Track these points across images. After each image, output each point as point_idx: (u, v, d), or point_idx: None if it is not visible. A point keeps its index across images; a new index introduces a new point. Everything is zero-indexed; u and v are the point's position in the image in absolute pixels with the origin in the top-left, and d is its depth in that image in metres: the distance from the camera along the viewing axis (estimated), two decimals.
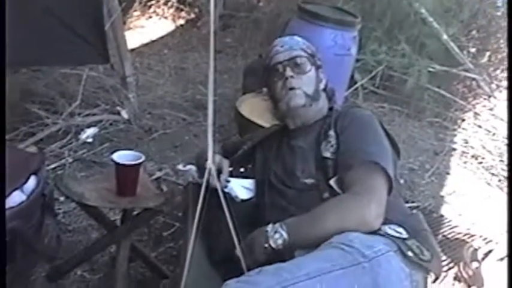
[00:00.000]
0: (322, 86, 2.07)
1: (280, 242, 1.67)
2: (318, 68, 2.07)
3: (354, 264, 1.51)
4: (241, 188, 2.07)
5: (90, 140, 3.82)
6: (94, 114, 4.04)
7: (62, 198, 2.98)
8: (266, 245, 1.68)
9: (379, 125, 1.95)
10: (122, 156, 2.23)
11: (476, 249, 2.91)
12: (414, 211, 2.10)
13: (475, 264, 2.82)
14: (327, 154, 1.87)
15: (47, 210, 2.53)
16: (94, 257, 2.62)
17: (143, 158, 2.26)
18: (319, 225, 1.67)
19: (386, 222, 1.69)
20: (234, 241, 1.65)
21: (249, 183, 2.09)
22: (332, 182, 1.81)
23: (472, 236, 3.17)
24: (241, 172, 2.15)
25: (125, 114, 4.08)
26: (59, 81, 4.23)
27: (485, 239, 3.12)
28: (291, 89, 1.98)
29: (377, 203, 1.69)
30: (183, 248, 1.95)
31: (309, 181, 1.87)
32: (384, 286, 1.51)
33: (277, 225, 1.70)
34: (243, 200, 2.02)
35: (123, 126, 4.04)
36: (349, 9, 4.21)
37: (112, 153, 2.32)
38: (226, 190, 1.97)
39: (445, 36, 4.87)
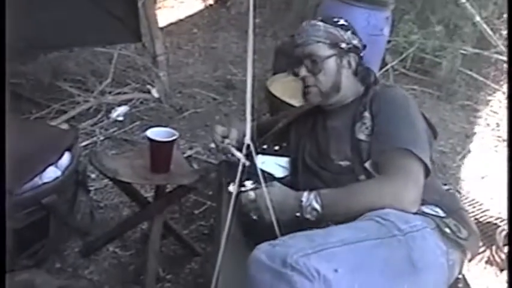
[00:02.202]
0: (347, 72, 1.97)
1: (314, 214, 1.66)
2: (341, 55, 1.96)
3: (389, 236, 1.50)
4: (276, 166, 2.07)
5: (121, 118, 3.84)
6: (125, 93, 4.07)
7: (93, 176, 3.01)
8: (298, 214, 1.67)
9: (413, 106, 1.91)
10: (156, 133, 2.23)
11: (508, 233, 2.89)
12: (450, 191, 2.08)
13: (507, 248, 2.80)
14: (362, 136, 1.84)
15: (80, 186, 2.56)
16: (126, 234, 2.64)
17: (177, 135, 2.26)
18: (355, 202, 1.65)
19: (423, 202, 1.68)
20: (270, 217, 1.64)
21: (283, 161, 2.09)
22: (367, 164, 1.80)
23: (504, 219, 3.13)
24: (276, 150, 2.15)
25: (155, 93, 4.09)
26: (90, 60, 4.26)
27: None
28: (307, 86, 1.95)
29: (414, 186, 1.67)
30: (217, 226, 1.95)
31: (344, 163, 1.85)
32: (418, 261, 1.50)
33: (312, 196, 1.67)
34: (277, 178, 2.02)
35: (153, 104, 4.06)
36: None
37: (145, 130, 2.33)
38: (262, 168, 1.96)
39: (478, 19, 4.79)
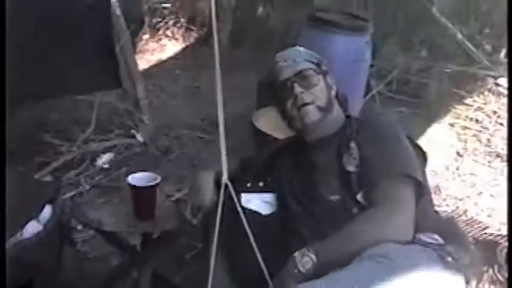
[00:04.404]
0: (333, 93, 1.99)
1: (309, 265, 1.61)
2: (325, 75, 1.98)
3: (391, 277, 1.45)
4: (262, 203, 2.00)
5: (106, 165, 3.78)
6: (108, 140, 4.01)
7: (79, 227, 2.93)
8: (295, 271, 1.61)
9: (400, 131, 1.88)
10: (138, 178, 2.18)
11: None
12: (447, 215, 2.05)
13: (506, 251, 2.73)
14: (351, 168, 1.80)
15: (65, 239, 2.48)
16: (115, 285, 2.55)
17: (159, 179, 2.20)
18: (348, 245, 1.61)
19: (420, 230, 1.63)
20: (257, 260, 1.60)
21: (269, 197, 2.03)
22: (359, 197, 1.74)
23: (504, 236, 3.06)
24: (261, 187, 2.09)
25: (140, 137, 4.04)
26: (71, 109, 4.21)
27: None
28: (303, 105, 1.90)
29: (406, 215, 1.66)
30: (206, 269, 1.89)
31: (334, 198, 1.80)
32: None
33: (303, 250, 1.64)
34: (264, 215, 1.96)
35: (139, 149, 4.00)
36: (359, 13, 4.14)
37: (127, 175, 2.27)
38: (246, 206, 1.90)
39: (460, 36, 4.79)
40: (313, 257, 1.61)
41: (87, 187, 3.50)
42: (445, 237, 1.66)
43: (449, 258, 1.57)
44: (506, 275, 2.70)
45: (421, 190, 1.73)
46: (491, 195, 3.62)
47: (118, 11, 3.76)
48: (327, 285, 1.44)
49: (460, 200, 3.53)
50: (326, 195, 1.81)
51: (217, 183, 2.03)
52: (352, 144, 1.82)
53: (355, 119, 1.95)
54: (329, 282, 1.46)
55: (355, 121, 1.93)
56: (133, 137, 4.05)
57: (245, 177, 2.05)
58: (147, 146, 4.02)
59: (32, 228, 2.22)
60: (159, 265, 2.56)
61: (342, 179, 1.80)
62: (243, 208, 1.84)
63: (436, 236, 1.65)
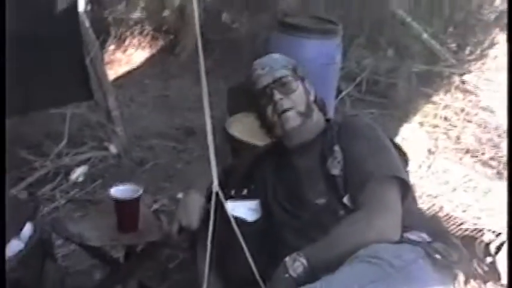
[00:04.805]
0: (312, 97, 2.01)
1: (300, 269, 1.62)
2: (303, 80, 2.00)
3: (384, 277, 1.47)
4: (247, 210, 2.01)
5: (81, 179, 3.73)
6: (82, 153, 3.97)
7: (59, 242, 2.89)
8: (287, 275, 1.62)
9: (382, 132, 1.90)
10: (120, 191, 2.16)
11: (487, 244, 2.87)
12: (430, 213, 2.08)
13: (489, 259, 2.78)
14: (335, 171, 1.82)
15: (46, 255, 2.46)
16: None
17: (141, 191, 2.19)
18: (338, 248, 1.63)
19: (407, 229, 1.66)
20: (249, 266, 1.61)
21: (254, 204, 2.03)
22: (345, 199, 1.76)
23: (481, 230, 3.12)
24: (244, 195, 2.09)
25: (113, 149, 4.00)
26: (43, 122, 4.16)
27: (494, 232, 3.07)
28: (283, 111, 1.91)
29: (393, 215, 1.68)
30: (197, 278, 1.90)
31: (320, 201, 1.81)
32: None
33: (294, 255, 1.65)
34: (250, 222, 1.96)
35: (113, 161, 3.96)
36: (327, 17, 4.18)
37: (108, 188, 2.25)
38: (232, 213, 1.91)
39: (425, 35, 4.87)
40: (304, 261, 1.63)
41: (63, 201, 3.45)
42: (431, 235, 1.68)
43: (437, 256, 1.60)
44: (486, 268, 2.76)
45: (406, 190, 1.76)
46: (465, 191, 3.67)
47: (87, 23, 3.74)
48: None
49: (435, 197, 3.57)
50: (312, 199, 1.82)
51: (206, 201, 2.05)
52: (336, 148, 1.84)
53: (336, 122, 1.97)
54: (326, 285, 1.47)
55: (335, 124, 1.95)
56: (107, 149, 4.01)
57: (229, 185, 2.05)
58: (121, 157, 3.99)
59: (14, 246, 2.19)
60: (143, 276, 2.55)
61: (327, 182, 1.82)
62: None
63: (423, 234, 1.68)
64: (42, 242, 2.39)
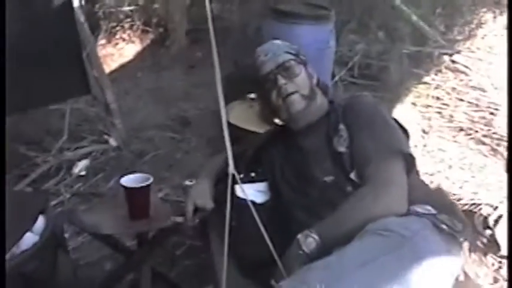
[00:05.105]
0: (314, 81, 2.07)
1: (313, 245, 1.68)
2: (305, 65, 2.06)
3: (396, 248, 1.52)
4: (255, 193, 2.07)
5: (83, 172, 3.80)
6: (83, 147, 4.02)
7: (66, 235, 2.95)
8: (300, 252, 1.68)
9: (384, 109, 1.97)
10: (131, 180, 2.22)
11: (486, 217, 2.95)
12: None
13: (488, 232, 2.86)
14: (342, 149, 1.88)
15: (59, 247, 2.50)
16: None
17: (152, 179, 2.25)
18: (347, 223, 1.68)
19: (414, 202, 1.72)
20: (262, 247, 1.65)
21: (262, 186, 2.10)
22: (353, 175, 1.82)
23: (479, 205, 3.20)
24: (252, 177, 2.15)
25: (113, 142, 4.06)
26: (43, 119, 4.20)
27: (491, 206, 3.15)
28: (288, 95, 1.97)
29: (398, 188, 1.74)
30: (211, 263, 1.96)
31: (328, 178, 1.87)
32: (426, 264, 1.52)
33: (306, 231, 1.71)
34: (259, 204, 2.02)
35: (113, 154, 4.02)
36: (319, 3, 4.22)
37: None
38: (243, 197, 1.97)
39: (414, 18, 4.92)
40: (316, 237, 1.68)
41: (68, 195, 3.50)
42: (436, 207, 1.74)
43: (443, 226, 1.66)
44: (484, 240, 2.84)
45: (410, 164, 1.83)
46: (461, 168, 3.75)
47: (82, 18, 3.77)
48: (338, 261, 1.51)
49: (432, 175, 3.64)
50: (320, 177, 1.88)
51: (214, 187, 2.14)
52: (341, 126, 1.90)
53: (339, 104, 2.03)
54: (339, 258, 1.52)
55: (339, 106, 2.00)
56: (107, 142, 4.06)
57: (237, 170, 2.11)
58: (121, 150, 4.04)
59: (29, 239, 2.24)
60: (154, 264, 2.61)
61: (334, 160, 1.87)
62: (238, 198, 1.92)
63: (429, 207, 1.73)
64: (55, 235, 2.44)
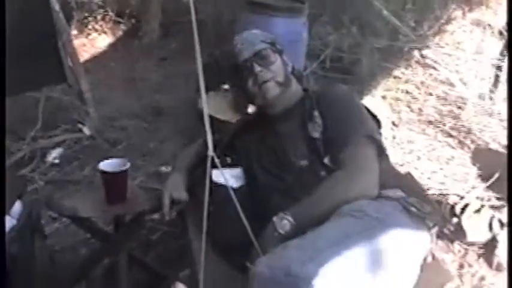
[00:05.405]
0: (289, 69, 2.14)
1: (288, 227, 1.74)
2: (281, 53, 2.13)
3: (368, 229, 1.60)
4: (231, 177, 2.12)
5: (57, 161, 3.80)
6: (56, 135, 4.03)
7: (42, 221, 2.97)
8: (276, 233, 1.74)
9: (356, 97, 2.04)
10: (109, 165, 2.25)
11: (453, 206, 3.05)
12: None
13: (455, 220, 2.96)
14: (316, 135, 1.95)
15: (35, 232, 2.53)
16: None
17: (129, 164, 2.29)
18: (321, 206, 1.76)
19: (385, 186, 1.80)
20: (239, 230, 1.71)
21: (237, 171, 2.15)
22: (326, 160, 1.89)
23: (446, 194, 3.30)
24: (228, 163, 2.21)
25: (87, 131, 4.07)
26: (17, 107, 4.19)
27: (458, 195, 3.26)
28: (264, 82, 2.03)
29: (370, 172, 1.83)
30: (188, 247, 2.00)
31: (303, 163, 1.94)
32: (397, 245, 1.60)
33: (281, 214, 1.77)
34: (234, 189, 2.07)
35: (87, 142, 4.03)
36: None
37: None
38: (218, 181, 2.02)
39: (385, 12, 5.00)
40: (291, 219, 1.75)
41: (42, 183, 3.52)
42: (405, 191, 1.83)
43: (413, 209, 1.75)
44: (451, 228, 2.94)
45: (381, 149, 1.91)
46: (429, 159, 3.86)
47: (57, 7, 3.78)
48: (313, 240, 1.57)
49: (401, 165, 3.74)
50: (295, 161, 1.95)
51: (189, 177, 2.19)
52: (315, 113, 1.97)
53: (313, 91, 2.10)
54: (314, 238, 1.59)
55: (313, 93, 2.07)
56: (81, 130, 4.07)
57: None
58: (94, 138, 4.05)
59: (6, 223, 2.26)
60: (130, 248, 2.64)
61: (308, 145, 1.95)
62: (214, 183, 1.97)
63: (399, 191, 1.82)
64: (31, 219, 2.46)
